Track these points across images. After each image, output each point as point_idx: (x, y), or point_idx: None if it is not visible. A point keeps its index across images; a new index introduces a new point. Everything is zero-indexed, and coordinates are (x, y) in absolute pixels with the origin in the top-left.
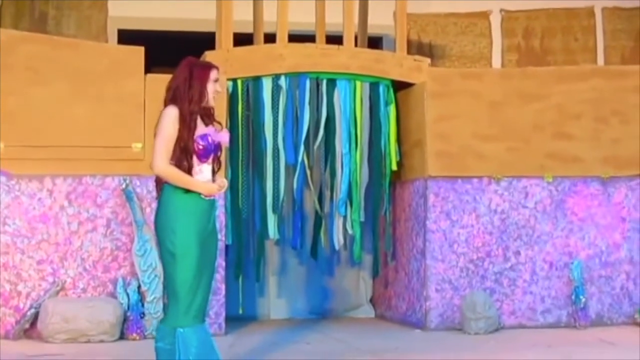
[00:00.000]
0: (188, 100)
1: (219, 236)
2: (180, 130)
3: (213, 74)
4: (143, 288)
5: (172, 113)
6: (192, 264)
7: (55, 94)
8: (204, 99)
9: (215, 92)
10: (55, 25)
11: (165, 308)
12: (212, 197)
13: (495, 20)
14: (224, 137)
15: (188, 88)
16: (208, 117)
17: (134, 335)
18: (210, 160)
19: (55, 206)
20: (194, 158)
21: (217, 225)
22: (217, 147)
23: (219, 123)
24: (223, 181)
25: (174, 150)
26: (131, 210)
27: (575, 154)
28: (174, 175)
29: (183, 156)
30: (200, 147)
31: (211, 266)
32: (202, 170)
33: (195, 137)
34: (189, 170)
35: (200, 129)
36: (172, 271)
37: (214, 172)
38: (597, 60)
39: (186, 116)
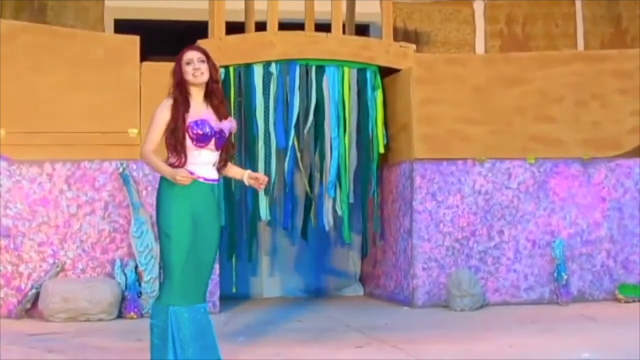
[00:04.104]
0: (170, 87)
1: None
2: (171, 114)
3: (185, 57)
4: (140, 268)
5: (163, 102)
6: (185, 244)
7: (54, 81)
8: (184, 82)
9: (194, 71)
10: (54, 16)
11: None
12: (209, 182)
13: (479, 8)
14: (224, 125)
15: (171, 76)
16: (215, 95)
17: (132, 314)
18: (211, 145)
19: (54, 190)
20: (189, 142)
21: (220, 208)
22: (218, 133)
23: (224, 103)
24: (185, 172)
25: (166, 133)
26: (128, 193)
27: (556, 136)
28: (151, 160)
29: (172, 137)
30: (199, 132)
31: (209, 248)
32: (201, 155)
33: (189, 121)
34: (183, 152)
35: (197, 113)
36: (166, 251)
37: (225, 160)
38: (577, 46)
39: (175, 102)
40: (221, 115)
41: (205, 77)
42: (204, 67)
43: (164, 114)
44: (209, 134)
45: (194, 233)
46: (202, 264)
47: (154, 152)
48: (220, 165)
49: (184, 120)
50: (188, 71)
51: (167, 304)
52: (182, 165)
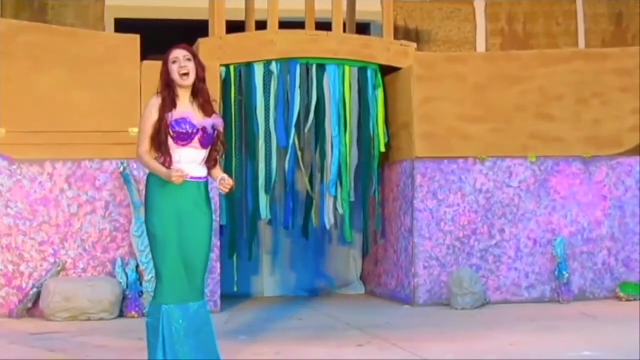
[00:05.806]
0: (158, 87)
1: (214, 217)
2: (159, 114)
3: (171, 56)
4: (141, 267)
5: (151, 101)
6: (170, 243)
7: (55, 81)
8: (171, 82)
9: (180, 69)
10: (54, 15)
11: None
12: (195, 180)
13: (480, 6)
14: (207, 123)
15: (159, 76)
16: (201, 93)
17: (133, 313)
18: (194, 144)
19: (55, 189)
20: (171, 141)
21: (210, 206)
22: (201, 131)
23: (211, 102)
24: (178, 171)
25: (152, 133)
26: (129, 192)
27: (557, 134)
28: (145, 160)
29: (157, 138)
30: (180, 131)
31: (198, 246)
32: (183, 153)
33: (170, 120)
34: (167, 152)
35: (181, 112)
36: (154, 250)
37: (215, 160)
38: (578, 44)
39: (162, 102)
40: (207, 114)
41: (191, 78)
42: (191, 65)
43: (152, 114)
44: (191, 132)
45: (180, 232)
46: (193, 262)
47: (148, 152)
48: (211, 165)
49: (166, 120)
50: (174, 70)
51: (160, 302)
52: (167, 164)
